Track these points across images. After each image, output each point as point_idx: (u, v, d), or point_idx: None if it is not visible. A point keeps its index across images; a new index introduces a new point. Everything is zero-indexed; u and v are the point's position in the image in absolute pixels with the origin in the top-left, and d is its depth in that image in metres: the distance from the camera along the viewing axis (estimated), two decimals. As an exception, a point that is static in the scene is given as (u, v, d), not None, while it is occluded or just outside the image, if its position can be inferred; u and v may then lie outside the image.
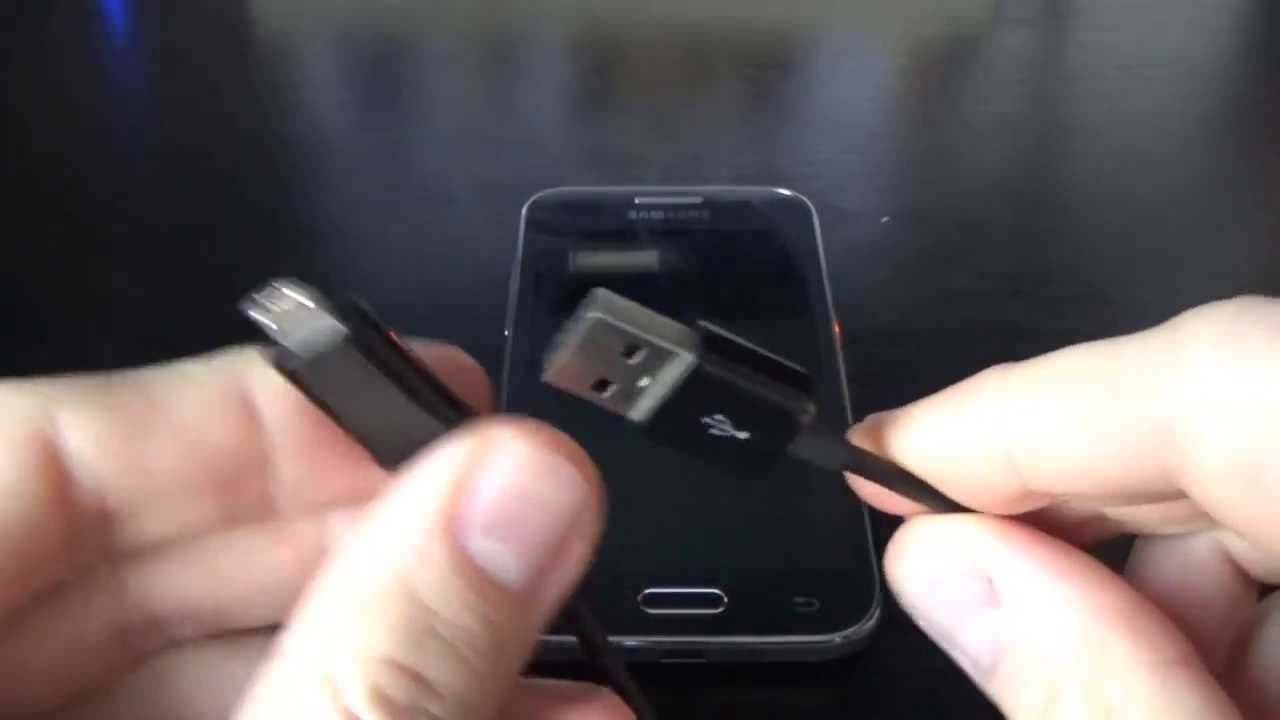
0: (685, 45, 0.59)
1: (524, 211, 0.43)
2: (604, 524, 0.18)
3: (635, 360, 0.18)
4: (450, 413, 0.18)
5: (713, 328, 0.18)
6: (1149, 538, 0.20)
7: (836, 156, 0.51)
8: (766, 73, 0.57)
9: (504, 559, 0.17)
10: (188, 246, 0.44)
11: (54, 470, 0.18)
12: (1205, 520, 0.18)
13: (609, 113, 0.55)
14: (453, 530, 0.17)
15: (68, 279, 0.43)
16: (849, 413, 0.35)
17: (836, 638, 0.30)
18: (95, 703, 0.20)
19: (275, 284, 0.17)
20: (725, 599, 0.31)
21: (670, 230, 0.42)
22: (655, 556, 0.32)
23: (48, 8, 0.59)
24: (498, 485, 0.17)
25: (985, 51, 0.60)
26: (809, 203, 0.43)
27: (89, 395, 0.18)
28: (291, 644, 0.17)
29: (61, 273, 0.43)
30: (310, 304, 0.17)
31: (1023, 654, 0.18)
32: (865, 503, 0.21)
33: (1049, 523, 0.20)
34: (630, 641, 0.30)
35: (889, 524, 0.21)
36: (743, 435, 0.19)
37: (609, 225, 0.42)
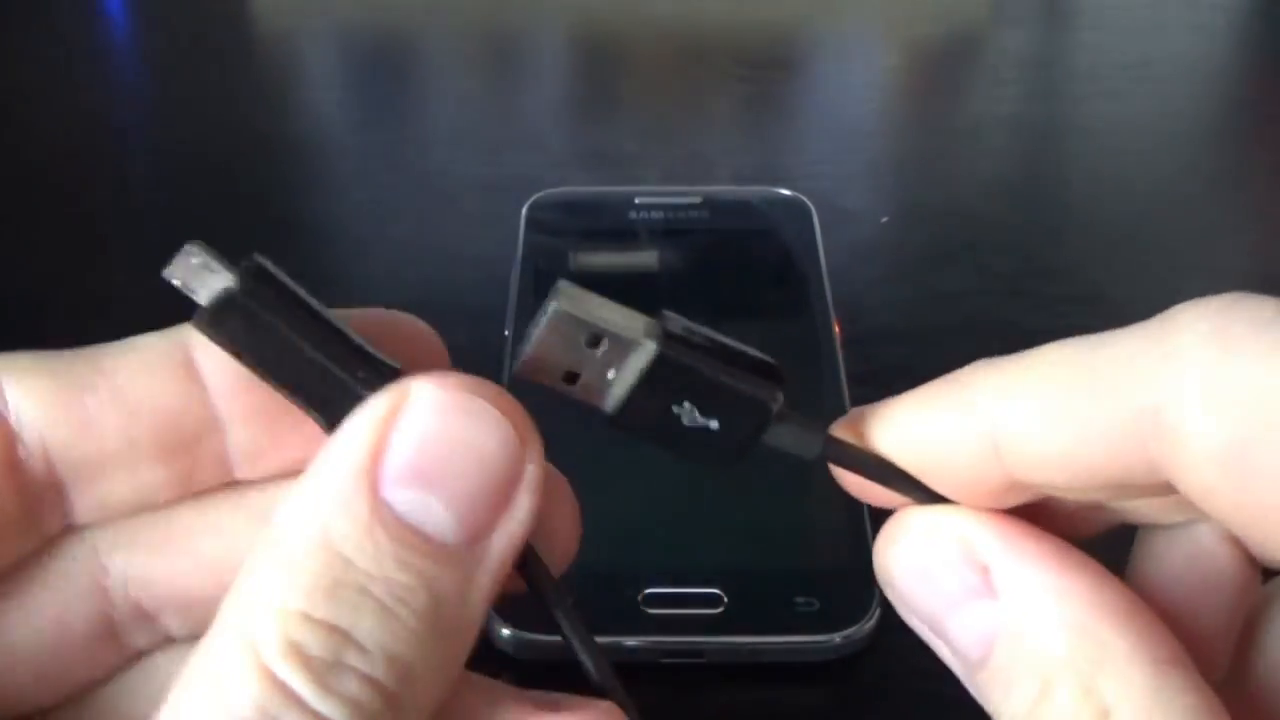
0: (685, 45, 0.59)
1: (524, 211, 0.43)
2: (547, 476, 0.18)
3: (601, 352, 0.18)
4: (370, 372, 0.18)
5: (675, 317, 0.19)
6: (1150, 527, 0.20)
7: (836, 156, 0.51)
8: (766, 73, 0.57)
9: (432, 510, 0.17)
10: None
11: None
12: (1199, 509, 0.18)
13: (609, 113, 0.55)
14: (372, 482, 0.17)
15: (68, 279, 0.43)
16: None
17: (836, 638, 0.30)
18: (89, 702, 0.20)
19: (187, 247, 0.17)
20: (725, 599, 0.31)
21: (670, 230, 0.42)
22: (655, 556, 0.32)
23: (48, 7, 0.59)
24: (416, 433, 0.17)
25: (985, 51, 0.60)
26: (809, 203, 0.43)
27: (35, 363, 0.19)
28: (221, 612, 0.17)
29: (61, 272, 0.43)
30: (210, 262, 0.17)
31: (1015, 646, 0.18)
32: (863, 502, 0.20)
33: (1043, 516, 0.19)
34: (630, 641, 0.30)
35: (889, 524, 0.21)
36: (713, 425, 0.19)
37: (609, 225, 0.42)
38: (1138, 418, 0.17)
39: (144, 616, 0.20)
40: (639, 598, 0.31)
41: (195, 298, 0.18)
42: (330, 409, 0.18)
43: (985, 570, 0.18)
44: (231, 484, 0.20)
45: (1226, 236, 0.47)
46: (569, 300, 0.18)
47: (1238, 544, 0.19)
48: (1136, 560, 0.20)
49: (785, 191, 0.44)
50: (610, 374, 0.18)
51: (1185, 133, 0.53)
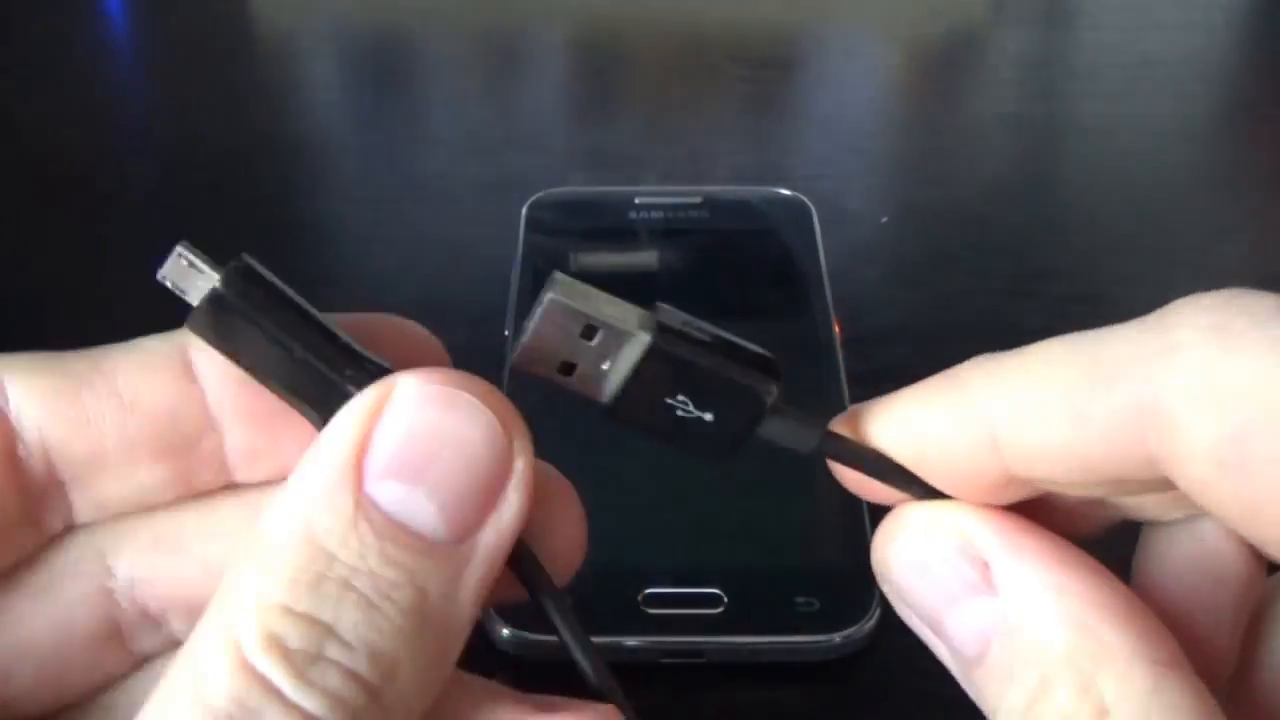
0: (685, 45, 0.59)
1: (524, 211, 0.43)
2: (535, 476, 0.18)
3: (595, 342, 0.18)
4: (358, 370, 0.18)
5: (670, 309, 0.19)
6: (1153, 525, 0.20)
7: (836, 156, 0.51)
8: (766, 72, 0.57)
9: (418, 504, 0.17)
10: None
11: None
12: (1197, 504, 0.18)
13: (609, 113, 0.55)
14: (356, 477, 0.17)
15: (68, 279, 0.43)
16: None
17: (836, 638, 0.30)
18: (94, 706, 0.20)
19: (177, 248, 0.18)
20: (725, 599, 0.31)
21: (670, 230, 0.42)
22: (655, 556, 0.32)
23: (48, 7, 0.59)
24: (400, 428, 0.17)
25: (985, 51, 0.60)
26: (809, 202, 0.43)
27: (35, 362, 0.19)
28: (207, 609, 0.17)
29: (61, 272, 0.43)
30: (198, 263, 0.18)
31: (1014, 642, 0.18)
32: (861, 498, 0.20)
33: (1042, 513, 0.19)
34: (630, 641, 0.30)
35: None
36: (708, 417, 0.19)
37: (609, 225, 0.42)
38: (1136, 411, 0.17)
39: (150, 619, 0.20)
40: (639, 598, 0.31)
41: (186, 298, 0.18)
42: (320, 407, 0.18)
43: (985, 566, 0.18)
44: (233, 487, 0.20)
45: (1226, 236, 0.47)
46: (564, 291, 0.18)
47: (1241, 540, 0.19)
48: (1141, 559, 0.20)
49: (785, 191, 0.44)
50: (605, 365, 0.18)
51: (1185, 133, 0.53)
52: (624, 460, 0.33)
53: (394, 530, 0.17)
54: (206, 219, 0.46)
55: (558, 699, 0.19)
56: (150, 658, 0.21)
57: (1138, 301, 0.18)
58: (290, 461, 0.20)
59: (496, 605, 0.29)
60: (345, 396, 0.18)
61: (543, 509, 0.19)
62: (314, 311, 0.18)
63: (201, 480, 0.20)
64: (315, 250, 0.46)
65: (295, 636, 0.16)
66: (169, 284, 0.18)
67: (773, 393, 0.19)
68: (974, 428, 0.18)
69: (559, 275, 0.18)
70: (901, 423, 0.19)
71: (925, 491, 0.19)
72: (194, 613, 0.20)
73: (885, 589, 0.20)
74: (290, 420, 0.19)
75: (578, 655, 0.19)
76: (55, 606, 0.20)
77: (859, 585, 0.31)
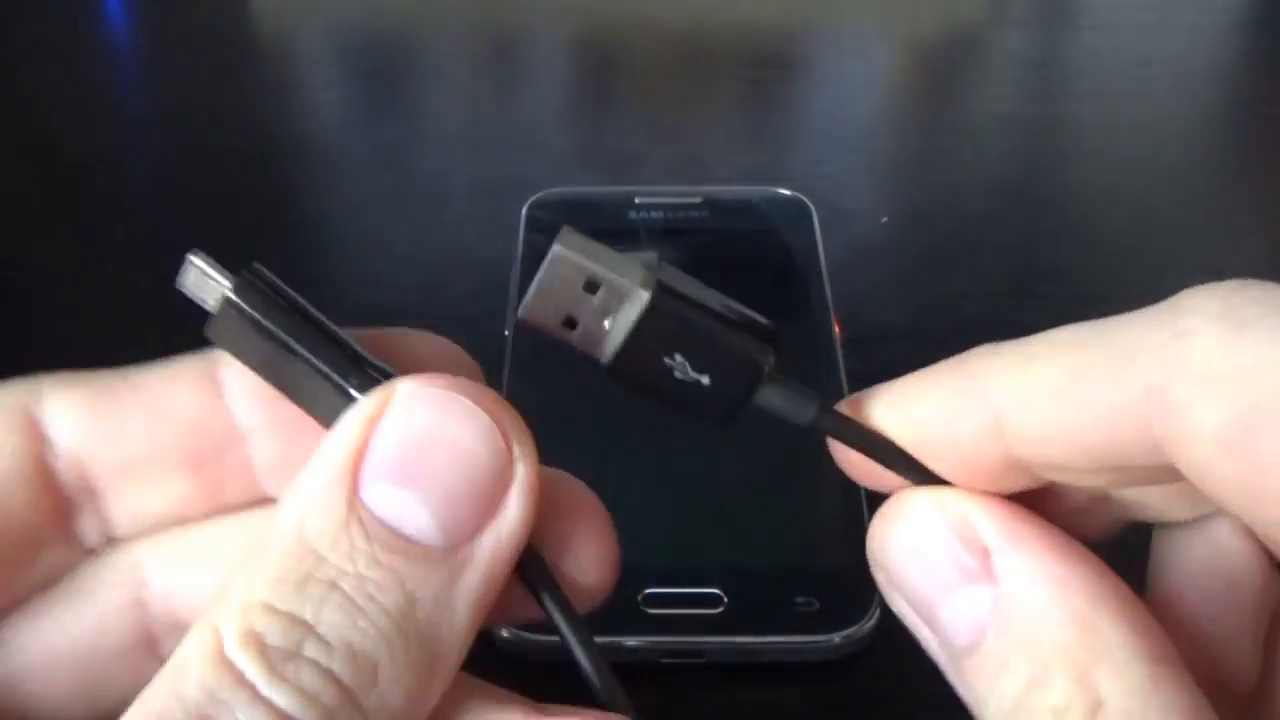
0: (685, 45, 0.59)
1: (524, 211, 0.43)
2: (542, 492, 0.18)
3: (598, 298, 0.18)
4: (363, 376, 0.18)
5: (675, 270, 0.19)
6: (1166, 527, 0.20)
7: (836, 156, 0.51)
8: (766, 73, 0.57)
9: (411, 509, 0.17)
10: (188, 246, 0.44)
11: (33, 432, 0.19)
12: (1208, 501, 0.18)
13: (609, 113, 0.55)
14: (351, 480, 0.17)
15: (68, 278, 0.43)
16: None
17: (836, 638, 0.30)
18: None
19: (190, 257, 0.18)
20: (725, 599, 0.31)
21: (670, 230, 0.42)
22: (655, 556, 0.32)
23: (49, 6, 0.59)
24: (396, 431, 0.17)
25: (985, 51, 0.60)
26: (809, 202, 0.43)
27: (72, 378, 0.19)
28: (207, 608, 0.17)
29: (62, 272, 0.43)
30: (211, 271, 0.18)
31: (1010, 631, 0.17)
32: (862, 485, 0.20)
33: (1049, 510, 0.19)
34: (630, 641, 0.30)
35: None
36: (705, 380, 0.19)
37: (609, 225, 0.42)
38: (1144, 396, 0.17)
39: (182, 630, 0.20)
40: (639, 598, 0.31)
41: (206, 307, 0.18)
42: (329, 413, 0.18)
43: (985, 553, 0.18)
44: (263, 500, 0.20)
45: (1226, 236, 0.47)
46: (569, 244, 0.18)
47: (1256, 540, 0.19)
48: (1155, 568, 0.20)
49: (785, 191, 0.44)
50: (607, 323, 0.18)
51: (1185, 133, 0.53)
52: (624, 460, 0.33)
53: (385, 534, 0.17)
54: (207, 219, 0.46)
55: (568, 708, 0.19)
56: None
57: (1138, 301, 0.18)
58: None
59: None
60: (350, 402, 0.18)
61: (564, 522, 0.19)
62: (323, 319, 0.18)
63: (231, 493, 0.20)
64: (316, 250, 0.46)
65: (275, 634, 0.16)
66: (188, 293, 0.18)
67: (769, 360, 0.19)
68: (978, 409, 0.18)
69: (566, 229, 0.18)
70: (905, 405, 0.19)
71: (926, 477, 0.19)
72: None
73: (878, 576, 0.20)
74: (318, 433, 0.19)
75: (582, 659, 0.19)
76: (91, 617, 0.20)
77: (859, 585, 0.31)
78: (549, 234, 0.18)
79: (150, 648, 0.20)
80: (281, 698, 0.15)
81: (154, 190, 0.49)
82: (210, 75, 0.55)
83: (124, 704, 0.20)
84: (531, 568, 0.18)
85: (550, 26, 0.60)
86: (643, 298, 0.18)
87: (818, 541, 0.33)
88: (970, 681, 0.18)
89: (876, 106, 0.55)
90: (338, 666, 0.16)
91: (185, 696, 0.15)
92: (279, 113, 0.54)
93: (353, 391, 0.18)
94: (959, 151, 0.52)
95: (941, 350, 0.19)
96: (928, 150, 0.52)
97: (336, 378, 0.18)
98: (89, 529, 0.20)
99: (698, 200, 0.43)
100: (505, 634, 0.30)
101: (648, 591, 0.31)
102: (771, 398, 0.19)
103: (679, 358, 0.18)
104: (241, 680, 0.16)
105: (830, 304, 0.39)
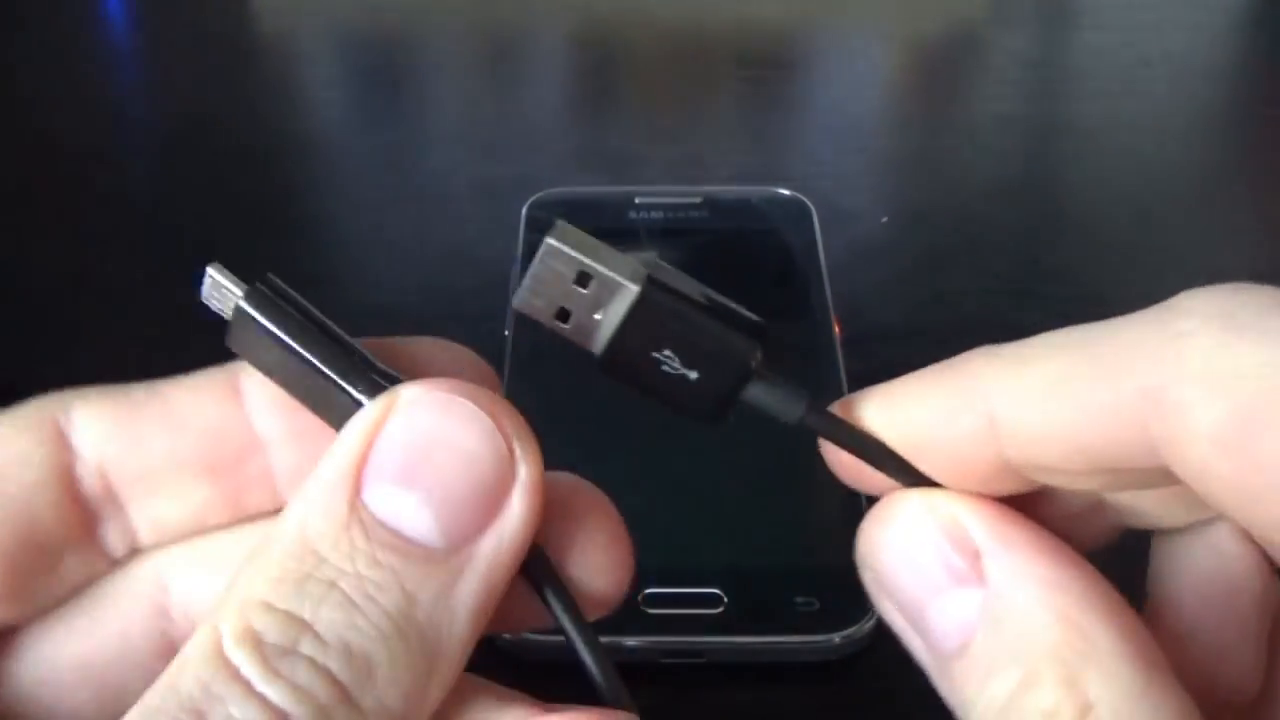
0: (685, 45, 0.59)
1: (524, 211, 0.43)
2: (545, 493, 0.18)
3: (589, 291, 0.19)
4: (370, 383, 0.18)
5: (667, 266, 0.19)
6: (1165, 534, 0.20)
7: (836, 156, 0.51)
8: (766, 73, 0.57)
9: (412, 510, 0.17)
10: (188, 245, 0.44)
11: (60, 444, 0.19)
12: (1204, 506, 0.18)
13: (609, 113, 0.55)
14: (354, 483, 0.17)
15: (68, 278, 0.43)
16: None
17: (836, 638, 0.30)
18: None
19: (208, 269, 0.18)
20: (725, 599, 0.31)
21: (670, 230, 0.42)
22: (655, 556, 0.32)
23: (49, 7, 0.59)
24: (400, 434, 0.17)
25: (985, 51, 0.60)
26: (809, 202, 0.43)
27: (99, 391, 0.20)
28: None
29: (62, 271, 0.43)
30: (226, 282, 0.18)
31: (1000, 633, 0.17)
32: (854, 488, 0.20)
33: (1042, 515, 0.19)
34: (630, 641, 0.30)
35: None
36: (693, 375, 0.19)
37: (609, 225, 0.42)
38: (1140, 397, 0.17)
39: None
40: (639, 598, 0.31)
41: (225, 316, 0.18)
42: (339, 419, 0.18)
43: (975, 555, 0.18)
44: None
45: (1226, 236, 0.47)
46: (562, 237, 0.19)
47: (1255, 545, 0.19)
48: (1154, 576, 0.20)
49: (785, 191, 0.44)
50: (598, 315, 0.19)
51: (1185, 133, 0.53)
52: (624, 460, 0.33)
53: (386, 534, 0.17)
54: (207, 219, 0.46)
55: (574, 706, 0.19)
56: None
57: (1137, 301, 0.18)
58: None
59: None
60: (358, 407, 0.18)
61: (574, 525, 0.19)
62: (334, 327, 0.19)
63: (252, 502, 0.20)
64: (316, 250, 0.46)
65: (272, 631, 0.16)
66: (211, 305, 0.18)
67: (757, 356, 0.19)
68: (972, 410, 0.18)
69: (560, 222, 0.19)
70: (897, 406, 0.19)
71: (916, 479, 0.19)
72: None
73: (866, 577, 0.20)
74: (334, 440, 0.19)
75: (586, 658, 0.19)
76: (114, 626, 0.20)
77: (859, 585, 0.31)
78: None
79: (171, 654, 0.20)
80: (275, 693, 0.16)
81: (154, 190, 0.49)
82: (210, 75, 0.55)
83: None
84: (536, 567, 0.18)
85: (550, 26, 0.60)
86: (632, 291, 0.18)
87: (817, 541, 0.32)
88: (958, 685, 0.18)
89: (876, 106, 0.55)
90: (334, 664, 0.16)
91: (180, 690, 0.16)
92: (279, 112, 0.54)
93: (360, 397, 0.18)
94: (959, 151, 0.52)
95: (941, 350, 0.19)
96: (928, 150, 0.52)
97: (344, 384, 0.18)
98: (113, 539, 0.20)
99: (698, 200, 0.43)
100: (506, 634, 0.30)
101: (648, 591, 0.31)
102: (760, 395, 0.19)
103: (668, 352, 0.19)
104: (236, 675, 0.16)
105: (830, 304, 0.39)
